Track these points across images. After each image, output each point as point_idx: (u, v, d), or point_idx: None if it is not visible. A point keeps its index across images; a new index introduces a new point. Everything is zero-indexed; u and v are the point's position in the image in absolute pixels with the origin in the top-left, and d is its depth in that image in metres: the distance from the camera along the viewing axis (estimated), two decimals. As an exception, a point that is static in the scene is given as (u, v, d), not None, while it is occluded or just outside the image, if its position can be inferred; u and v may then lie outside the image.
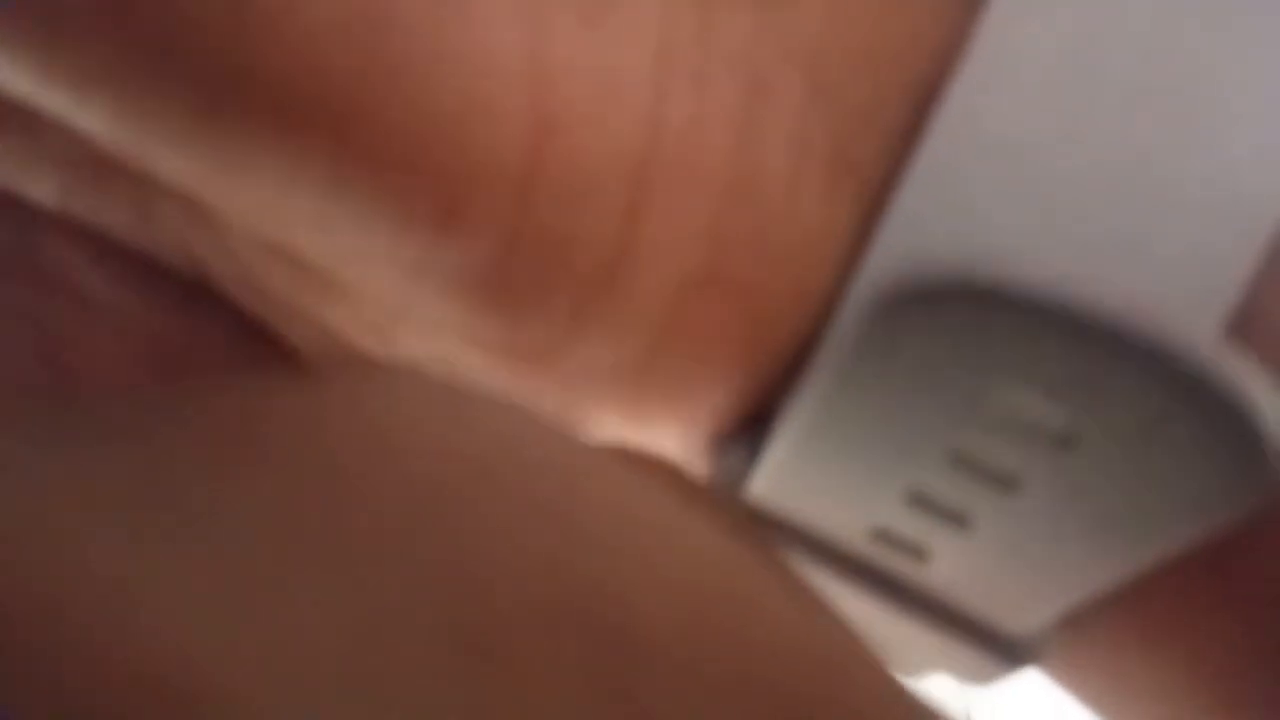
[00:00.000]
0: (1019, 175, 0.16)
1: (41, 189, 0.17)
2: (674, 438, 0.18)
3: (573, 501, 0.11)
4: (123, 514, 0.09)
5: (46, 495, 0.10)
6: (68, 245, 0.17)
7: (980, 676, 0.19)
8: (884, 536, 0.18)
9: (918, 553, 0.18)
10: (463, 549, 0.10)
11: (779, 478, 0.18)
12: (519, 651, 0.09)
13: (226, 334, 0.18)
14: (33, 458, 0.10)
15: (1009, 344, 0.15)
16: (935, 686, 0.20)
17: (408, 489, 0.10)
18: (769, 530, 0.18)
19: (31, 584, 0.08)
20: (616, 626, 0.09)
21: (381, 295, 0.16)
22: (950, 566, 0.18)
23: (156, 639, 0.08)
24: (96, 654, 0.08)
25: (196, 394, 0.12)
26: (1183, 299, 0.15)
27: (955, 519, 0.17)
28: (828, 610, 0.13)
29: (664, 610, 0.10)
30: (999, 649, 0.19)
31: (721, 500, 0.18)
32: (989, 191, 0.16)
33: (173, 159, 0.15)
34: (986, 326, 0.15)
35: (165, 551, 0.09)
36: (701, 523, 0.11)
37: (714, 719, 0.09)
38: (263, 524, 0.09)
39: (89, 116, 0.15)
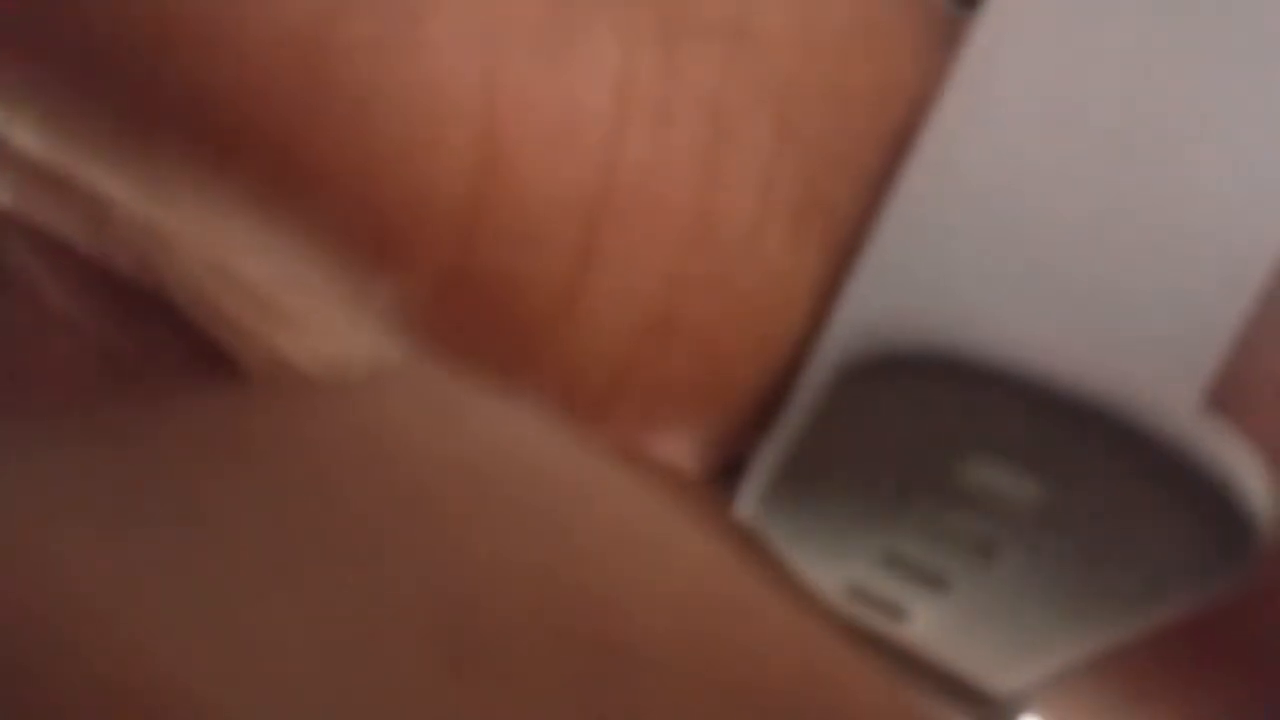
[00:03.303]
0: (994, 222, 0.15)
1: None
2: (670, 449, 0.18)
3: (568, 509, 0.10)
4: (95, 516, 0.09)
5: (14, 496, 0.09)
6: (28, 253, 0.17)
7: None
8: (860, 593, 0.18)
9: (895, 610, 0.17)
10: (451, 556, 0.09)
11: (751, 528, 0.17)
12: (509, 660, 0.09)
13: (178, 348, 0.17)
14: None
15: (978, 417, 0.15)
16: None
17: (395, 495, 0.10)
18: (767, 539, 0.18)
19: None
20: (612, 636, 0.09)
21: (326, 326, 0.16)
22: (928, 625, 0.17)
23: (128, 645, 0.08)
24: (64, 660, 0.08)
25: (176, 399, 0.12)
26: (1166, 354, 0.15)
27: (931, 581, 0.17)
28: (830, 621, 0.12)
29: (661, 620, 0.09)
30: (981, 706, 0.18)
31: (722, 509, 0.17)
32: (963, 239, 0.15)
33: (105, 177, 0.15)
34: (954, 398, 0.15)
35: (139, 555, 0.09)
36: (701, 531, 0.11)
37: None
38: (242, 529, 0.09)
39: (20, 133, 0.14)
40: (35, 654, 0.08)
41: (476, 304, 0.15)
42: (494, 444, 0.11)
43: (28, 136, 0.14)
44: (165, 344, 0.17)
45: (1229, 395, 0.15)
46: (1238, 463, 0.14)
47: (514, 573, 0.09)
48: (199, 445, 0.10)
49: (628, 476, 0.11)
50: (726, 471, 0.17)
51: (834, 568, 0.17)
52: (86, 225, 0.17)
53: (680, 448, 0.17)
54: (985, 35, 0.15)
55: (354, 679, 0.08)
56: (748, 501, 0.17)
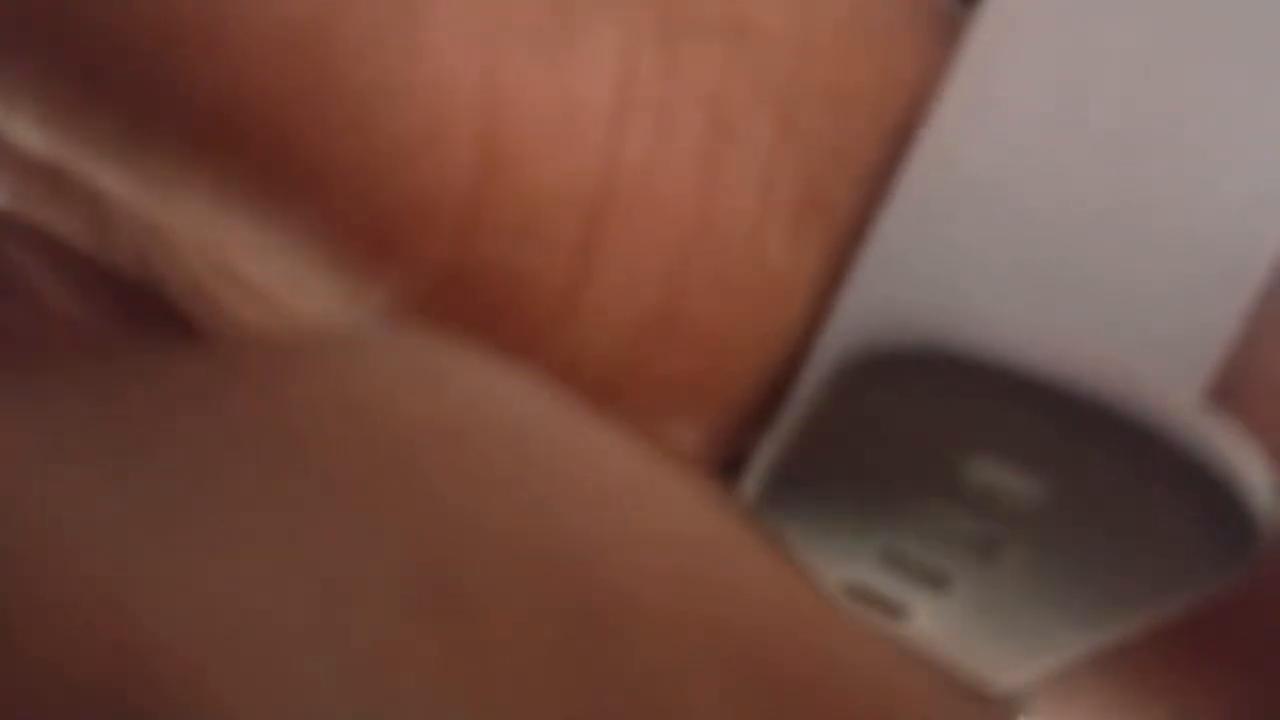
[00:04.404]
0: (994, 220, 0.15)
1: None
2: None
3: (549, 468, 0.10)
4: (76, 469, 0.09)
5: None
6: (26, 250, 0.17)
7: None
8: (860, 591, 0.17)
9: (895, 609, 0.17)
10: (431, 514, 0.09)
11: None
12: (490, 615, 0.09)
13: (175, 342, 0.17)
14: None
15: (980, 415, 0.15)
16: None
17: (374, 453, 0.10)
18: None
19: None
20: (592, 592, 0.09)
21: (325, 321, 0.16)
22: (929, 624, 0.17)
23: (108, 597, 0.08)
24: (43, 610, 0.08)
25: (161, 359, 0.12)
26: (1167, 350, 0.15)
27: (932, 579, 0.17)
28: (808, 573, 0.12)
29: (642, 562, 0.09)
30: (982, 705, 0.18)
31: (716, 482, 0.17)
32: (964, 236, 0.15)
33: (105, 175, 0.15)
34: (956, 396, 0.15)
35: (116, 510, 0.09)
36: (684, 483, 0.11)
37: (693, 670, 0.09)
38: (223, 485, 0.09)
39: (20, 128, 0.14)
40: (14, 604, 0.08)
41: (477, 300, 0.15)
42: (474, 404, 0.11)
43: (29, 133, 0.14)
44: (162, 340, 0.17)
45: (1230, 392, 0.15)
46: (1240, 458, 0.14)
47: (494, 531, 0.09)
48: (180, 401, 0.10)
49: (610, 435, 0.11)
50: (727, 469, 0.17)
51: (834, 566, 0.17)
52: (86, 224, 0.17)
53: (681, 447, 0.17)
54: (985, 32, 0.15)
55: (334, 634, 0.08)
56: (749, 499, 0.17)
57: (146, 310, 0.17)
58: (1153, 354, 0.15)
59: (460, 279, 0.15)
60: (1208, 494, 0.14)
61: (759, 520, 0.15)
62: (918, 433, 0.15)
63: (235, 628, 0.08)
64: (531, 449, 0.11)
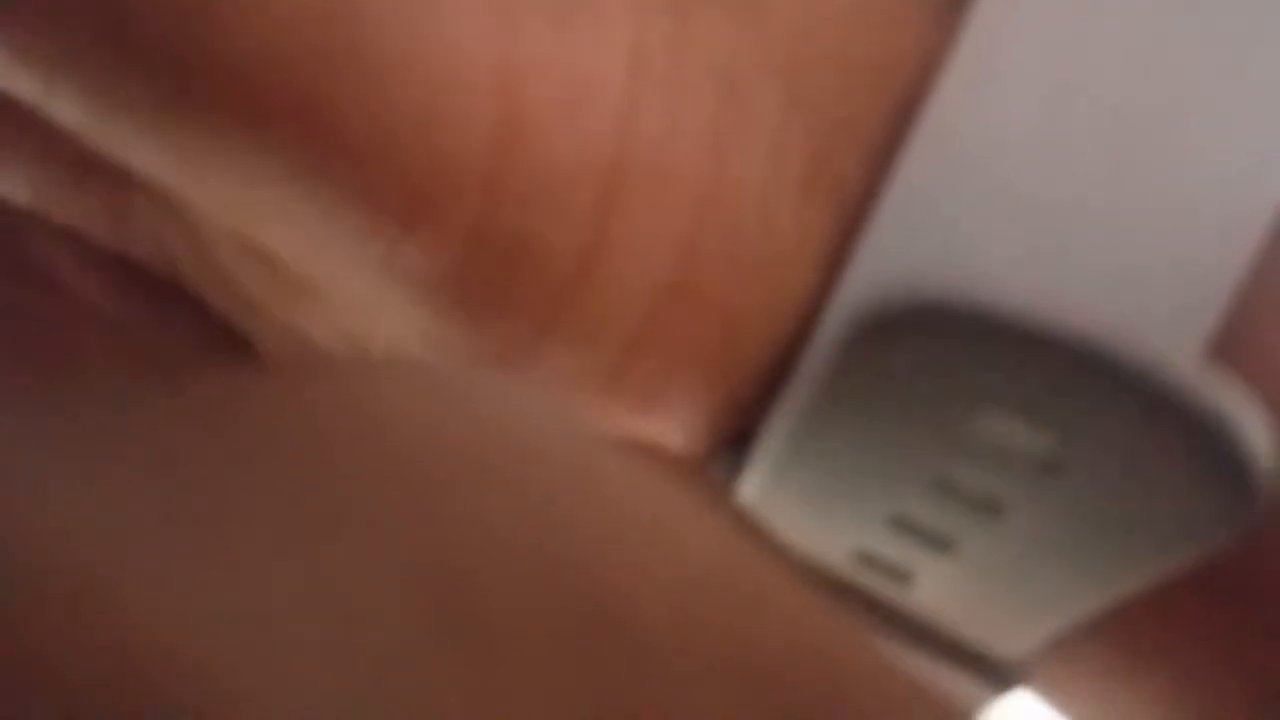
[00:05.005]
0: (999, 190, 0.15)
1: (15, 186, 0.17)
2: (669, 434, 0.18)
3: (569, 490, 0.10)
4: (91, 479, 0.09)
5: (8, 453, 0.09)
6: (52, 243, 0.17)
7: (967, 699, 0.19)
8: (867, 559, 0.18)
9: (901, 575, 0.18)
10: (448, 531, 0.09)
11: (760, 496, 0.17)
12: (506, 635, 0.09)
13: (197, 333, 0.18)
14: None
15: (989, 370, 0.15)
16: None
17: (394, 470, 0.10)
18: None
19: None
20: (610, 615, 0.09)
21: (350, 299, 0.16)
22: (934, 589, 0.18)
23: (119, 608, 0.08)
24: (50, 614, 0.08)
25: (178, 372, 0.12)
26: (1166, 316, 0.15)
27: (938, 543, 0.17)
28: (829, 606, 0.12)
29: (662, 601, 0.09)
30: (985, 671, 0.18)
31: (723, 495, 0.18)
32: (969, 206, 0.15)
33: (140, 149, 0.15)
34: (966, 353, 0.15)
35: (133, 519, 0.09)
36: (702, 515, 0.11)
37: (708, 708, 0.09)
38: (241, 500, 0.09)
39: (58, 104, 0.15)
40: (19, 606, 0.08)
41: (498, 267, 0.15)
42: (497, 428, 0.11)
43: (68, 106, 0.15)
44: (184, 330, 0.18)
45: (1222, 363, 0.15)
46: (1240, 414, 0.14)
47: (512, 551, 0.09)
48: (198, 414, 0.10)
49: (628, 460, 0.11)
50: (737, 438, 0.17)
51: (842, 533, 0.17)
52: (108, 216, 0.17)
53: (692, 413, 0.17)
54: (989, 8, 0.16)
55: (349, 649, 0.08)
56: (758, 468, 0.17)
57: (169, 302, 0.17)
58: (1147, 324, 0.15)
59: (481, 246, 0.15)
60: (1208, 450, 0.15)
61: (776, 544, 0.15)
62: (926, 394, 0.16)
63: (244, 639, 0.08)
64: (550, 470, 0.11)
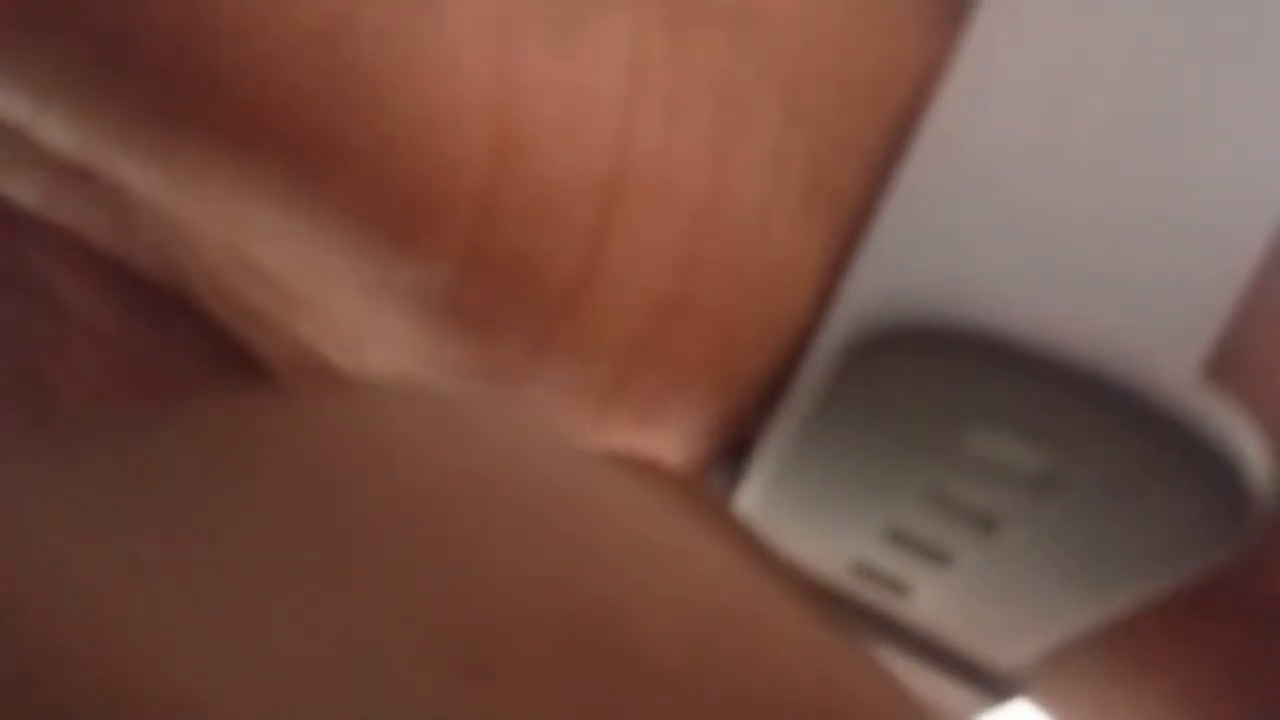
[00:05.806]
0: (998, 204, 0.15)
1: (23, 191, 0.17)
2: (670, 448, 0.18)
3: (578, 519, 0.10)
4: (98, 518, 0.09)
5: (14, 497, 0.09)
6: (51, 258, 0.17)
7: (964, 709, 0.19)
8: (865, 570, 0.18)
9: (899, 587, 0.18)
10: (459, 565, 0.09)
11: (758, 508, 0.17)
12: (520, 668, 0.09)
13: (200, 348, 0.17)
14: (3, 463, 0.10)
15: (985, 388, 0.15)
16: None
17: (401, 503, 0.10)
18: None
19: None
20: (622, 645, 0.09)
21: (348, 313, 0.16)
22: (931, 601, 0.18)
23: (124, 644, 0.08)
24: (60, 656, 0.08)
25: (182, 408, 0.12)
26: (1163, 333, 0.15)
27: (935, 556, 0.17)
28: (831, 627, 0.12)
29: (668, 628, 0.09)
30: (984, 682, 0.18)
31: (729, 514, 0.18)
32: (967, 220, 0.15)
33: (133, 169, 0.15)
34: (961, 370, 0.15)
35: (142, 559, 0.09)
36: (708, 539, 0.11)
37: None
38: (246, 533, 0.09)
39: (49, 125, 0.15)
40: (33, 653, 0.08)
41: (496, 284, 0.15)
42: (503, 455, 0.11)
43: (59, 130, 0.15)
44: (188, 345, 0.17)
45: (1221, 376, 0.15)
46: (1236, 431, 0.14)
47: (524, 582, 0.09)
48: (205, 450, 0.10)
49: (636, 487, 0.11)
50: (736, 451, 0.17)
51: (840, 544, 0.17)
52: (111, 225, 0.17)
53: (691, 426, 0.17)
54: (989, 18, 0.16)
55: (363, 687, 0.08)
56: (756, 479, 0.17)
57: (169, 313, 0.17)
58: (1145, 340, 0.15)
59: (478, 263, 0.15)
60: (1205, 468, 0.15)
61: (777, 559, 0.15)
62: (921, 409, 0.15)
63: (265, 682, 0.08)
64: (558, 499, 0.11)
